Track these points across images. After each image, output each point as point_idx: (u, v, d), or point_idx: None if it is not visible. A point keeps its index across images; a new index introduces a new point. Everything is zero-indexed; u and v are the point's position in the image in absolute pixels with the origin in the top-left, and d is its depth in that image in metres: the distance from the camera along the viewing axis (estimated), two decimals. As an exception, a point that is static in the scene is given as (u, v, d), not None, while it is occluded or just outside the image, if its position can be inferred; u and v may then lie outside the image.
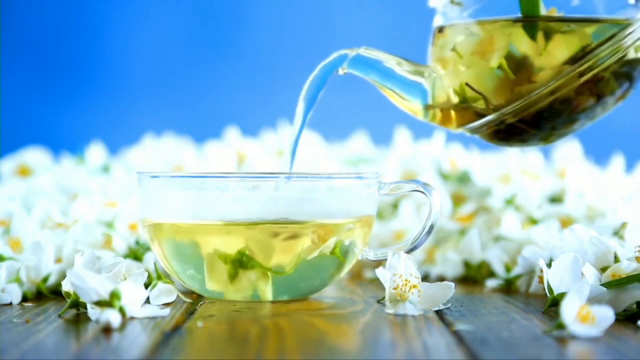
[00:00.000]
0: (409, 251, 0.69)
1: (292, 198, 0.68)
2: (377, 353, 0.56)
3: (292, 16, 1.56)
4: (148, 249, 0.75)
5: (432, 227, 0.70)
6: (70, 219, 0.79)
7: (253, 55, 1.56)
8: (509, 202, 0.88)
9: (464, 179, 0.92)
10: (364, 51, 0.73)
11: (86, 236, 0.76)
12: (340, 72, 0.73)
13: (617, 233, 0.75)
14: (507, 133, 0.73)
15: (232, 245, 0.67)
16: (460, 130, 0.74)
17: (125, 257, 0.75)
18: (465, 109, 0.72)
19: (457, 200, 0.91)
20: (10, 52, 1.53)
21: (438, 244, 0.87)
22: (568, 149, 0.98)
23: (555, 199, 0.89)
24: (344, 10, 1.55)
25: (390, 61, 0.73)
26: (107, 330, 0.59)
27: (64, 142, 1.14)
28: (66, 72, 1.56)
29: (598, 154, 1.00)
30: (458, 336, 0.58)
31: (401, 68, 0.73)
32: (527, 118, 0.71)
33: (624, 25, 0.70)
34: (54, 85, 1.56)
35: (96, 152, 1.04)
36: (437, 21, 0.74)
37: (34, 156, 1.01)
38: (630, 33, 0.69)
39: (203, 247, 0.68)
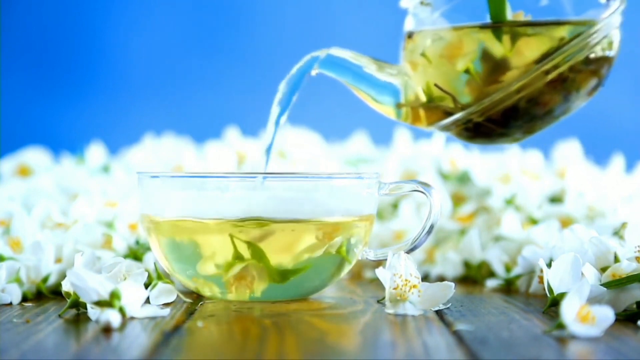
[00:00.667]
0: (409, 251, 0.69)
1: (292, 197, 0.68)
2: (377, 353, 0.56)
3: (292, 16, 1.56)
4: (148, 249, 0.75)
5: (432, 227, 0.70)
6: (70, 219, 0.79)
7: (253, 55, 1.56)
8: (509, 202, 0.88)
9: (464, 179, 0.92)
10: (335, 51, 0.74)
11: (86, 236, 0.76)
12: (313, 73, 0.73)
13: (617, 233, 0.75)
14: (475, 131, 0.73)
15: (229, 243, 0.67)
16: (430, 129, 0.74)
17: (125, 257, 0.75)
18: (434, 108, 0.72)
19: (457, 200, 0.91)
20: (10, 52, 1.53)
21: (438, 244, 0.87)
22: (568, 149, 0.98)
23: (555, 199, 0.89)
24: (344, 10, 1.55)
25: (361, 61, 0.73)
26: (107, 330, 0.59)
27: (64, 142, 1.14)
28: (66, 72, 1.56)
29: (598, 154, 1.00)
30: (458, 336, 0.58)
31: (372, 68, 0.73)
32: (494, 117, 0.72)
33: (589, 24, 0.70)
34: (54, 85, 1.56)
35: (96, 152, 1.04)
36: (408, 22, 0.74)
37: (34, 156, 1.01)
38: (595, 32, 0.70)
39: (203, 246, 0.68)
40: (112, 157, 1.07)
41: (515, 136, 0.74)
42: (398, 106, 0.73)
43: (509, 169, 0.91)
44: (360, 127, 1.11)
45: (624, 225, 0.73)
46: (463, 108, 0.71)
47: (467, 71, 0.71)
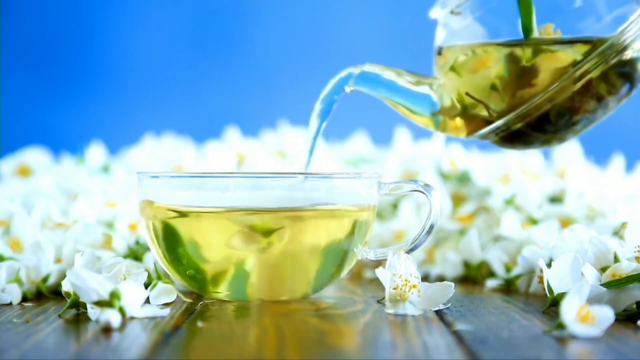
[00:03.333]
0: (409, 251, 0.69)
1: (293, 195, 0.68)
2: (377, 353, 0.56)
3: (292, 16, 1.56)
4: (148, 249, 0.75)
5: (432, 227, 0.70)
6: (70, 219, 0.79)
7: (253, 55, 1.56)
8: (509, 202, 0.88)
9: (464, 179, 0.92)
10: (368, 67, 0.74)
11: (86, 236, 0.76)
12: (347, 90, 0.74)
13: (617, 233, 0.75)
14: (515, 138, 0.74)
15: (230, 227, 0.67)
16: (470, 138, 0.75)
17: (125, 257, 0.75)
18: (472, 117, 0.73)
19: (457, 200, 0.91)
20: (10, 52, 1.53)
21: (438, 244, 0.87)
22: (568, 149, 0.98)
23: (555, 199, 0.89)
24: (344, 11, 1.55)
25: (395, 76, 0.74)
26: (107, 330, 0.59)
27: (64, 142, 1.14)
28: (66, 72, 1.56)
29: (598, 154, 1.00)
30: (458, 336, 0.58)
31: (407, 81, 0.74)
32: (532, 122, 0.72)
33: (617, 35, 0.71)
34: (54, 85, 1.56)
35: (96, 152, 1.04)
36: (439, 34, 0.75)
37: (34, 156, 1.01)
38: (623, 40, 0.70)
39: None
40: (112, 157, 1.06)
41: (554, 141, 0.75)
42: (434, 114, 0.74)
43: (509, 169, 0.91)
44: (360, 127, 1.11)
45: (624, 225, 0.73)
46: (499, 116, 0.72)
47: (497, 80, 0.71)
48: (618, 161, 0.97)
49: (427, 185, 0.70)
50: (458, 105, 0.73)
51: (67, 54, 1.56)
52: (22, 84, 1.55)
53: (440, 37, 0.75)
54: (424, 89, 0.74)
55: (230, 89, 1.56)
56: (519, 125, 0.72)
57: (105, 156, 1.05)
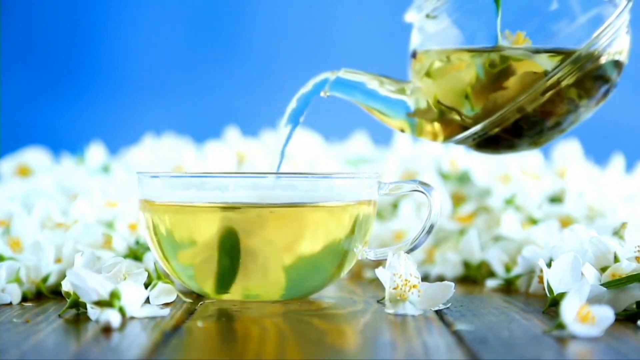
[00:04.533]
0: (409, 251, 0.69)
1: (292, 194, 0.68)
2: (377, 353, 0.56)
3: (292, 16, 1.56)
4: (148, 249, 0.75)
5: (432, 227, 0.70)
6: (70, 219, 0.79)
7: (253, 55, 1.56)
8: (509, 202, 0.88)
9: (464, 179, 0.92)
10: (343, 73, 0.74)
11: (86, 236, 0.76)
12: (323, 94, 0.74)
13: (617, 233, 0.75)
14: (493, 142, 0.74)
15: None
16: (447, 142, 0.75)
17: (125, 257, 0.75)
18: (448, 121, 0.73)
19: (457, 200, 0.91)
20: (10, 52, 1.53)
21: (438, 244, 0.87)
22: (568, 149, 0.98)
23: (555, 199, 0.89)
24: (344, 11, 1.55)
25: (371, 81, 0.74)
26: (107, 330, 0.59)
27: (64, 142, 1.14)
28: (66, 72, 1.56)
29: (598, 154, 1.00)
30: (458, 336, 0.58)
31: (383, 87, 0.74)
32: (508, 128, 0.72)
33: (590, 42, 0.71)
34: (54, 85, 1.56)
35: (96, 152, 1.04)
36: (414, 38, 0.75)
37: (34, 156, 1.01)
38: (595, 48, 0.70)
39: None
40: (112, 157, 1.07)
41: (540, 142, 0.75)
42: (409, 115, 0.73)
43: (508, 169, 0.91)
44: (360, 127, 1.11)
45: (624, 225, 0.73)
46: (474, 122, 0.72)
47: (469, 87, 0.71)
48: (618, 161, 0.97)
49: (427, 185, 0.70)
50: (434, 109, 0.73)
51: (67, 54, 1.56)
52: (22, 84, 1.55)
53: (415, 41, 0.75)
54: (398, 95, 0.74)
55: (230, 89, 1.56)
56: (495, 130, 0.72)
57: (105, 156, 1.05)
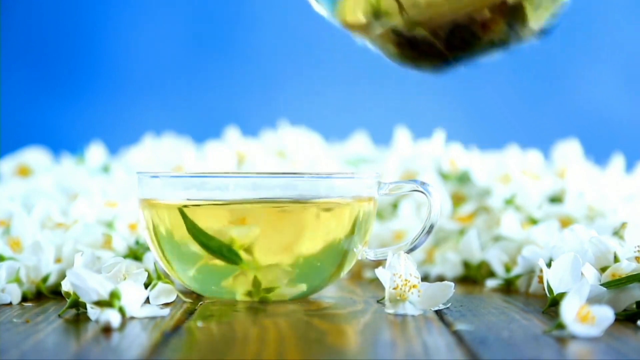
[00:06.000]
0: (409, 251, 0.69)
1: (292, 194, 0.68)
2: (377, 353, 0.56)
3: (292, 16, 1.56)
4: (148, 249, 0.76)
5: (432, 227, 0.70)
6: (70, 219, 0.79)
7: (253, 55, 1.56)
8: (509, 202, 0.88)
9: (464, 179, 0.92)
10: None
11: (86, 236, 0.76)
12: None
13: (617, 233, 0.75)
14: (415, 46, 0.70)
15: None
16: (366, 34, 0.71)
17: (125, 257, 0.75)
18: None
19: (457, 200, 0.91)
20: (10, 52, 1.53)
21: (438, 244, 0.87)
22: (568, 149, 0.98)
23: (555, 199, 0.89)
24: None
25: None
26: (107, 330, 0.59)
27: (64, 142, 1.14)
28: (66, 72, 1.56)
29: (598, 154, 1.00)
30: (458, 336, 0.58)
31: None
32: (438, 32, 0.69)
33: None
34: (54, 85, 1.56)
35: (96, 152, 1.04)
36: None
37: (34, 156, 1.01)
38: None
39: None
40: (112, 157, 1.06)
41: (454, 60, 0.70)
42: None
43: (508, 169, 0.91)
44: (360, 127, 1.11)
45: (624, 225, 0.73)
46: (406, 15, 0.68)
47: None
48: (618, 161, 0.97)
49: (427, 185, 0.70)
50: None
51: (67, 54, 1.56)
52: (22, 84, 1.55)
53: None
54: None
55: (230, 89, 1.56)
56: (423, 33, 0.69)
57: (105, 156, 1.05)
